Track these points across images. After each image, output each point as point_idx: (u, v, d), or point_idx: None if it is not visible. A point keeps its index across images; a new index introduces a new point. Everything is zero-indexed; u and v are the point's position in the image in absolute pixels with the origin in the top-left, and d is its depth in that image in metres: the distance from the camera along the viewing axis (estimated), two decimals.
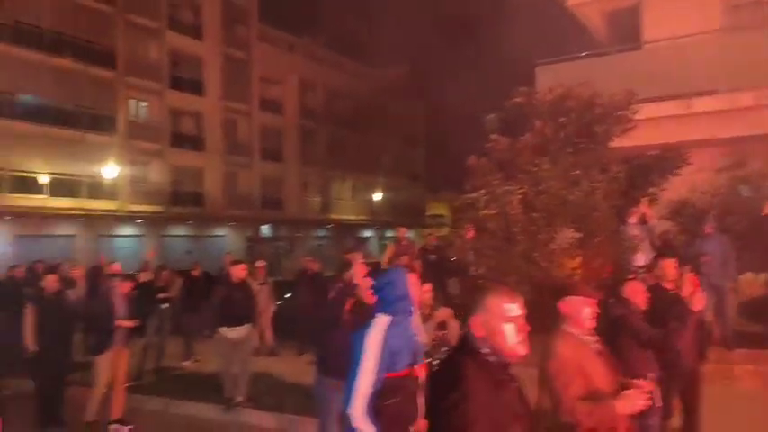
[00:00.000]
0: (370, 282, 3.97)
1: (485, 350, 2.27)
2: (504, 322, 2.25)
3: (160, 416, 7.42)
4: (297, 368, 9.28)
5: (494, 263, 7.61)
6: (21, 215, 22.13)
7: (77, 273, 9.12)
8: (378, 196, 35.88)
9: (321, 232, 38.05)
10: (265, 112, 33.02)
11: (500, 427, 2.17)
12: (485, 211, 7.65)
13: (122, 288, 6.93)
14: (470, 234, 8.14)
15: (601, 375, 2.90)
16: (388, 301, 3.34)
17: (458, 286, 9.28)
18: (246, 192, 32.13)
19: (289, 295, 11.83)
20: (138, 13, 26.17)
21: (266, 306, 10.13)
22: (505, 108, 8.77)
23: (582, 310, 3.01)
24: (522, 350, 2.27)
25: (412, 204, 42.62)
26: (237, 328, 6.96)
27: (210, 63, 29.88)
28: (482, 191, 7.78)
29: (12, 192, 21.89)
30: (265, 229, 33.87)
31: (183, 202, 28.44)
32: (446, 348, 4.53)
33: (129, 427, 6.92)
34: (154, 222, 27.28)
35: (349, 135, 36.90)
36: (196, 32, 29.35)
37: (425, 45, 67.03)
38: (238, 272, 7.16)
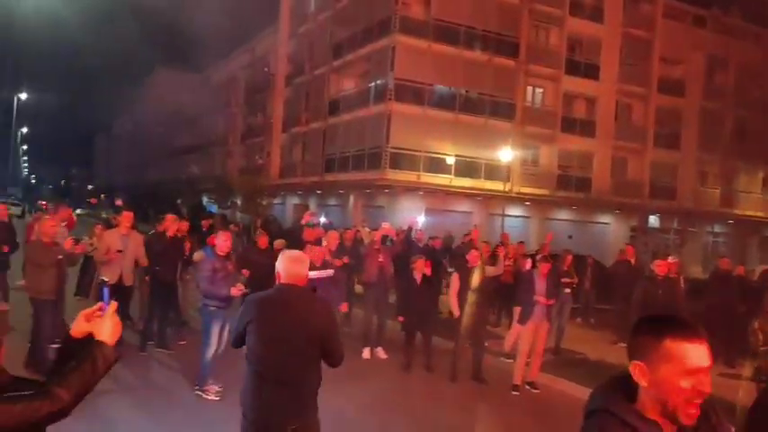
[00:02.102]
0: None
1: None
2: None
3: (567, 397, 7.64)
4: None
5: None
6: (430, 191, 25.42)
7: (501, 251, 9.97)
8: None
9: (718, 228, 33.80)
10: (664, 95, 30.62)
11: None
12: None
13: (543, 268, 7.34)
14: None
15: None
16: None
17: None
18: (636, 179, 30.54)
19: None
20: (543, 3, 27.03)
21: None
22: None
23: None
24: None
25: None
26: None
27: (608, 45, 29.04)
28: None
29: (425, 170, 25.26)
30: (653, 220, 31.72)
31: (569, 186, 28.63)
32: None
33: (536, 390, 7.54)
34: (540, 205, 28.18)
35: (764, 119, 31.56)
36: (597, 15, 28.84)
37: None
38: (662, 267, 6.78)
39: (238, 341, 3.46)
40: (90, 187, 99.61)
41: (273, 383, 3.28)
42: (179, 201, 38.09)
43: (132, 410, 6.00)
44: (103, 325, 1.91)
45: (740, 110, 31.30)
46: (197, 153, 50.14)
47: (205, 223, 10.50)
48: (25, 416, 1.68)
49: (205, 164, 47.91)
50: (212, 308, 6.54)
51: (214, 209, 35.42)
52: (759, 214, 33.39)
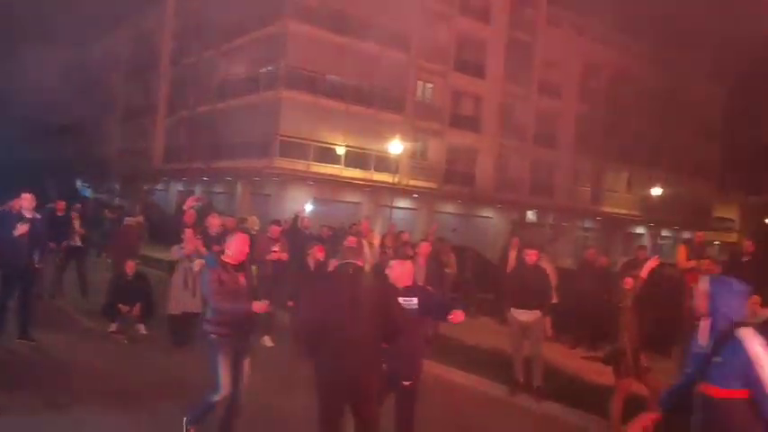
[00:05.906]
0: None
1: None
2: None
3: (442, 382, 7.81)
4: (573, 361, 9.07)
5: None
6: (319, 181, 25.26)
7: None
8: (656, 191, 32.73)
9: (588, 223, 36.37)
10: (543, 96, 32.41)
11: None
12: None
13: (424, 248, 7.50)
14: None
15: None
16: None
17: None
18: (517, 175, 32.11)
19: None
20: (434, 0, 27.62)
21: None
22: None
23: None
24: None
25: (694, 204, 38.18)
26: (528, 311, 6.99)
27: (494, 46, 30.24)
28: None
29: (315, 160, 25.05)
30: (531, 215, 33.54)
31: (455, 180, 29.54)
32: None
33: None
34: (428, 198, 28.88)
35: (630, 123, 34.31)
36: (484, 16, 29.93)
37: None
38: (531, 256, 7.16)
39: None
40: None
41: None
42: (46, 183, 35.23)
43: None
44: None
45: (611, 114, 33.77)
46: (71, 134, 46.53)
47: (60, 205, 9.52)
48: None
49: (80, 145, 44.62)
50: (214, 335, 4.83)
51: (88, 193, 33.17)
52: (623, 211, 36.38)
